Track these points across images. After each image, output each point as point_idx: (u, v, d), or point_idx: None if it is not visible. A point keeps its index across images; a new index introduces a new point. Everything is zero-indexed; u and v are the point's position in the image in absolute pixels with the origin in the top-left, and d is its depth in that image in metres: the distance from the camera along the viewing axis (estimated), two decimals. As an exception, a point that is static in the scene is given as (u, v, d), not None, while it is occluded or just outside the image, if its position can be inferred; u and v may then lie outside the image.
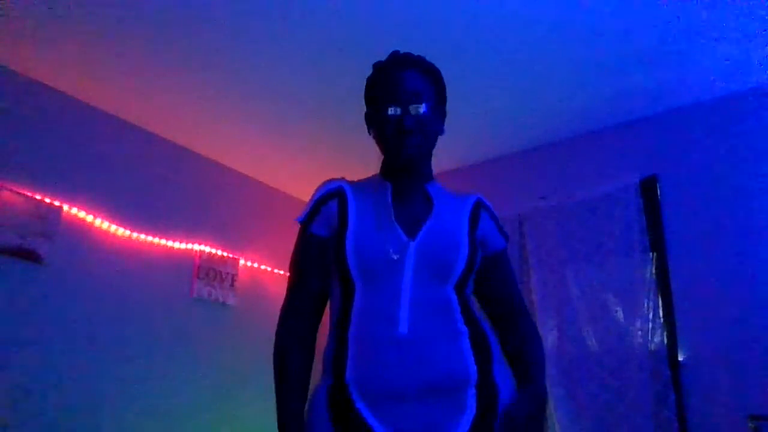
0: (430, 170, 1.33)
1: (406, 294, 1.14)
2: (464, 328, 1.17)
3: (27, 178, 2.84)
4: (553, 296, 3.12)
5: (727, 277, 2.70)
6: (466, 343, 1.15)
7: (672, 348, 2.75)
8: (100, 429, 2.85)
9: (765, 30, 2.49)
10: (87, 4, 2.44)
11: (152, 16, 2.50)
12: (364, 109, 1.33)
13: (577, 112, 3.17)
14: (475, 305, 1.28)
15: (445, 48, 2.62)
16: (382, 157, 1.31)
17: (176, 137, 3.51)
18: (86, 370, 2.86)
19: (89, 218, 3.04)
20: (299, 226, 1.28)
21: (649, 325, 2.80)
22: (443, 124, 1.33)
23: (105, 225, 3.11)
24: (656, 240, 2.93)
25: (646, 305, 2.83)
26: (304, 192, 4.13)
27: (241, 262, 3.75)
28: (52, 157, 2.96)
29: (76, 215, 2.99)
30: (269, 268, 3.91)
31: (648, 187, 3.03)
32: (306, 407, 1.17)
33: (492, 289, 1.33)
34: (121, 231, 3.18)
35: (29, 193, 2.82)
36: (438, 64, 1.32)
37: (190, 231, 3.50)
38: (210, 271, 3.55)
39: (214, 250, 3.60)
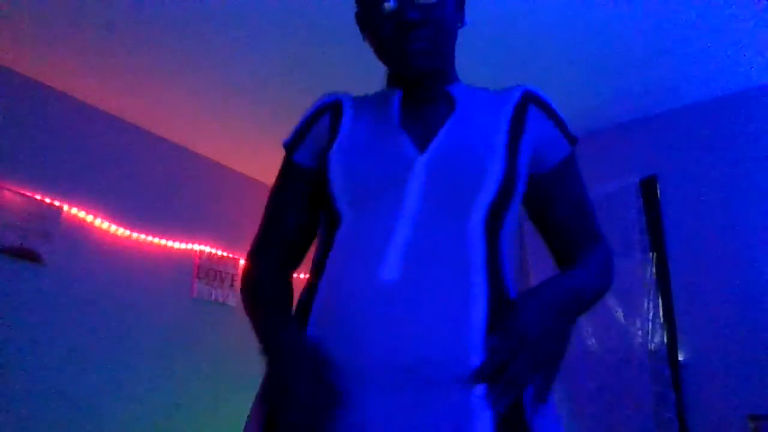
0: (454, 72, 0.99)
1: (404, 226, 0.80)
2: (483, 287, 0.78)
3: (27, 178, 2.84)
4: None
5: (727, 277, 2.70)
6: (480, 311, 0.76)
7: (672, 348, 2.75)
8: (100, 429, 2.85)
9: (764, 30, 2.49)
10: (87, 5, 2.44)
11: (153, 16, 2.50)
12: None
13: (576, 112, 3.15)
14: (512, 260, 0.88)
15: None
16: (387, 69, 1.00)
17: (176, 137, 3.50)
18: (86, 370, 2.86)
19: (89, 218, 3.04)
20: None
21: (649, 325, 2.80)
22: (463, 12, 0.98)
23: (105, 225, 3.11)
24: (656, 240, 2.93)
25: (646, 305, 2.83)
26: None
27: (241, 262, 3.74)
28: (52, 157, 2.96)
29: (76, 215, 2.99)
30: (269, 268, 3.90)
31: (648, 187, 3.03)
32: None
33: (555, 216, 0.95)
34: (121, 231, 3.17)
35: (29, 193, 2.82)
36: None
37: (190, 231, 3.50)
38: (210, 271, 3.55)
39: (214, 250, 3.60)
